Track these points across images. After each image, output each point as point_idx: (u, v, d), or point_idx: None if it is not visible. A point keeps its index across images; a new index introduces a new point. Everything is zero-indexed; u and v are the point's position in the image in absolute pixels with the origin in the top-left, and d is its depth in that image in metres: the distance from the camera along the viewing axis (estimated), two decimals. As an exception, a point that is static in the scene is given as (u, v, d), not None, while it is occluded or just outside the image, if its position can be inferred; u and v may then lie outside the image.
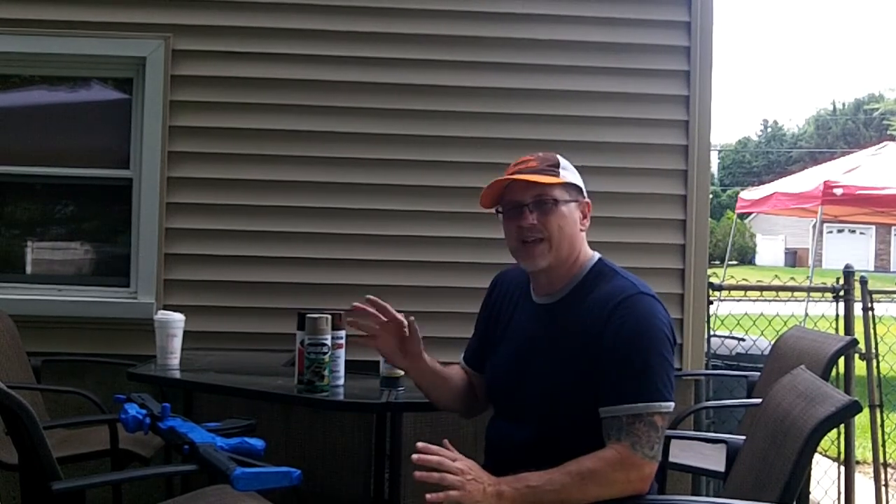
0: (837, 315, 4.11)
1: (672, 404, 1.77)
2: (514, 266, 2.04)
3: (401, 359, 2.01)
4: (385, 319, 1.97)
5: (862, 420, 4.62)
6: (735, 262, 29.38)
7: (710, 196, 3.94)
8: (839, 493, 4.02)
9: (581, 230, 1.92)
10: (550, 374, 1.86)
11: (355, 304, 1.98)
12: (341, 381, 2.60)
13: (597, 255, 1.96)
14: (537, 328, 1.92)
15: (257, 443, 1.82)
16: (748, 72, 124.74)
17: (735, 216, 18.68)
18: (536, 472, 1.69)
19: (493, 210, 1.96)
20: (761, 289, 4.26)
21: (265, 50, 3.58)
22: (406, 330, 1.97)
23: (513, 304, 2.02)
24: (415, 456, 1.66)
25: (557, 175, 1.89)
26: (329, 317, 2.52)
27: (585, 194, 1.95)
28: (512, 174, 1.90)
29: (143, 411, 1.95)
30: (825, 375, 2.84)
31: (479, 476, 1.67)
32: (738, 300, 4.41)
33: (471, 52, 3.63)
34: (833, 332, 3.96)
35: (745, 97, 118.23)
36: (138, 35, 3.53)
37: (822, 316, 4.43)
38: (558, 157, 1.95)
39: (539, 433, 1.85)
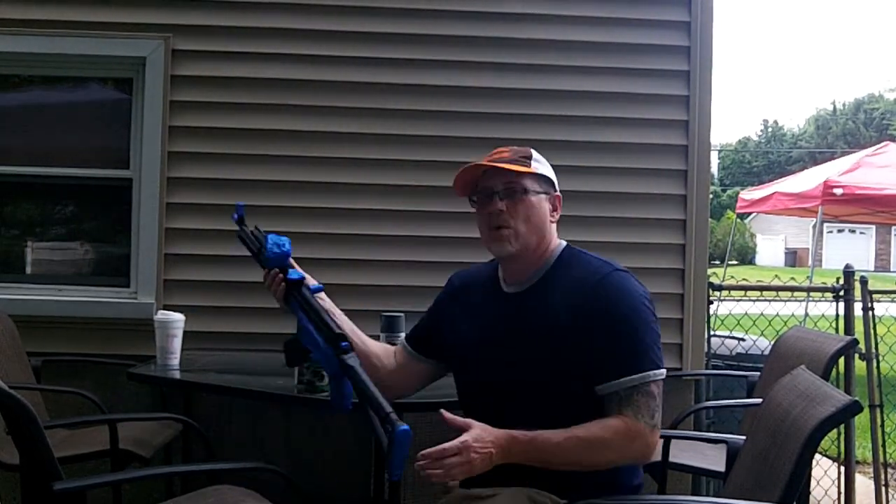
0: (837, 315, 4.10)
1: (664, 371, 1.82)
2: (476, 265, 2.12)
3: None
4: None
5: (862, 420, 4.62)
6: (735, 262, 29.40)
7: (710, 196, 3.94)
8: (839, 493, 4.02)
9: (551, 221, 1.95)
10: (534, 359, 1.87)
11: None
12: (341, 382, 2.60)
13: (564, 243, 2.00)
14: (511, 316, 1.93)
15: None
16: (748, 72, 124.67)
17: (735, 216, 18.71)
18: (546, 433, 1.73)
19: (466, 198, 2.02)
20: (761, 289, 4.26)
21: (265, 50, 3.58)
22: None
23: (478, 299, 2.02)
24: (419, 464, 1.68)
25: (529, 166, 1.94)
26: (329, 317, 2.51)
27: (557, 188, 1.99)
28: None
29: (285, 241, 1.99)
30: (825, 375, 2.84)
31: (483, 444, 1.69)
32: (738, 300, 4.40)
33: (471, 52, 3.63)
34: (833, 332, 3.96)
35: (745, 97, 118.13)
36: (138, 35, 3.53)
37: (822, 316, 4.43)
38: (532, 150, 1.99)
39: (532, 418, 1.86)
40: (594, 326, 1.81)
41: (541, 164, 1.97)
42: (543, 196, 1.94)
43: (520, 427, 1.80)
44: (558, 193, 1.99)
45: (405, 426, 1.56)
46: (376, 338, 2.58)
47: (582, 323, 1.82)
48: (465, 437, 1.70)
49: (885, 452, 4.28)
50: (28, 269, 3.74)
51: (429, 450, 1.68)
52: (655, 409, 1.79)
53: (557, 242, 1.99)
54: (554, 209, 1.97)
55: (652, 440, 1.79)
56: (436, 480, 1.68)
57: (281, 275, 1.96)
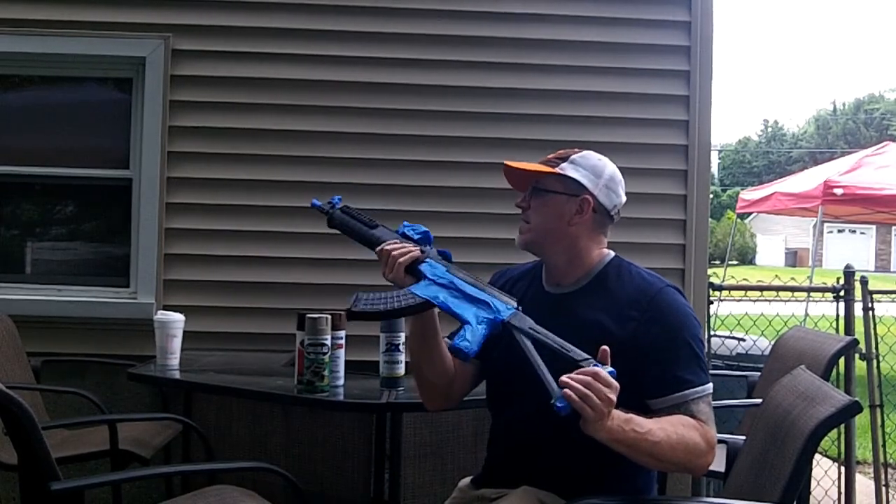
0: (838, 315, 4.10)
1: (712, 386, 1.83)
2: (519, 265, 2.10)
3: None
4: None
5: (862, 420, 4.61)
6: (735, 262, 29.42)
7: (710, 196, 3.94)
8: (839, 493, 4.02)
9: (571, 225, 1.91)
10: None
11: None
12: (341, 382, 2.60)
13: (612, 253, 1.99)
14: (553, 314, 1.87)
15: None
16: (748, 72, 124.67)
17: (735, 216, 18.70)
18: (641, 419, 1.67)
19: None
20: (761, 289, 4.26)
21: (265, 50, 3.58)
22: None
23: (519, 294, 2.00)
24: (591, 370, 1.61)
25: (554, 167, 1.93)
26: (329, 317, 2.51)
27: (594, 192, 1.92)
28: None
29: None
30: (825, 376, 2.84)
31: (610, 407, 1.61)
32: (739, 300, 4.41)
33: (470, 52, 3.63)
34: (833, 332, 3.96)
35: (745, 97, 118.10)
36: (138, 35, 3.53)
37: (823, 316, 4.43)
38: (578, 153, 1.96)
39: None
40: (653, 341, 1.80)
41: (572, 166, 1.93)
42: (564, 197, 1.91)
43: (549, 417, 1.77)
44: (587, 196, 1.90)
45: (611, 369, 1.59)
46: (376, 338, 2.59)
47: (640, 337, 1.81)
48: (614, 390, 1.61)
49: (885, 452, 4.28)
50: (28, 269, 3.74)
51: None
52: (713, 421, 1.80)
53: (605, 252, 1.97)
54: (579, 212, 1.90)
55: (713, 456, 1.77)
56: (576, 397, 1.56)
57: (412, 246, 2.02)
